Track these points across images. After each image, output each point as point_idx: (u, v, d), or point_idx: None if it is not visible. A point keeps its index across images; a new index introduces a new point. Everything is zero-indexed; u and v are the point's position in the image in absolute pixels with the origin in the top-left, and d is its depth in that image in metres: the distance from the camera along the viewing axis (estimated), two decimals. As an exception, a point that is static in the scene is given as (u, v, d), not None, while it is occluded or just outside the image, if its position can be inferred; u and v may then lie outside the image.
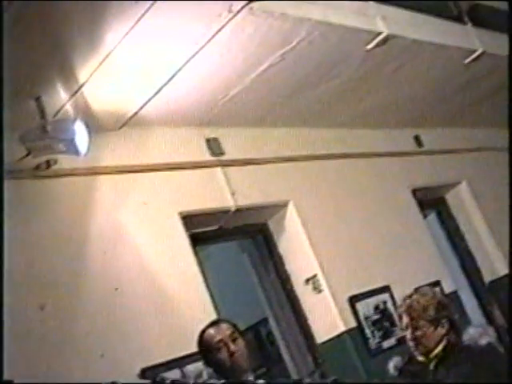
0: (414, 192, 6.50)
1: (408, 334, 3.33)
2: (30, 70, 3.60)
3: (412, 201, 6.45)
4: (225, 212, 4.98)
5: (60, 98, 3.98)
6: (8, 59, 3.16)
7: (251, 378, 3.24)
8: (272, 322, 5.53)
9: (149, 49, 3.84)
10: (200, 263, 4.65)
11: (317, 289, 5.26)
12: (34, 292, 3.78)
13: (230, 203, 4.95)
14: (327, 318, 5.23)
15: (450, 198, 7.22)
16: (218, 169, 5.04)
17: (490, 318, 6.70)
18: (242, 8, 3.74)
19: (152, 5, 3.45)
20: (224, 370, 3.18)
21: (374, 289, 5.54)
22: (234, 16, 3.76)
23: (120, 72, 3.96)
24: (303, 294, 5.32)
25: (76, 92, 3.97)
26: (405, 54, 5.18)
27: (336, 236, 5.57)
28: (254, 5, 3.78)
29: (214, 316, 4.28)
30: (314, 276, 5.28)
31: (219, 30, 3.84)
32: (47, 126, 3.86)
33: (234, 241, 5.65)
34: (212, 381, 3.21)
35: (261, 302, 5.58)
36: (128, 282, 4.18)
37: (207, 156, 5.05)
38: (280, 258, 5.42)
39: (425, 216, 6.74)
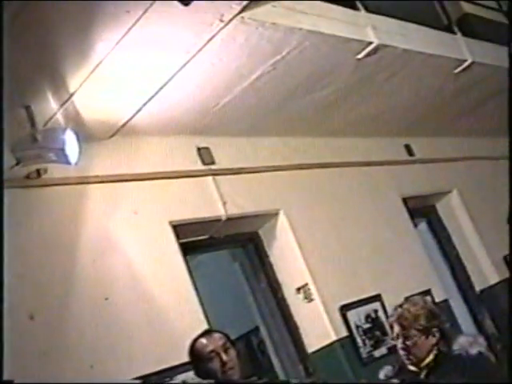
0: (405, 201, 6.52)
1: (399, 343, 3.32)
2: (20, 79, 3.58)
3: (403, 209, 6.46)
4: (216, 221, 4.97)
5: (50, 106, 3.97)
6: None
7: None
8: (263, 331, 5.52)
9: (140, 58, 3.84)
10: (191, 272, 4.64)
11: (308, 298, 5.26)
12: (24, 301, 3.75)
13: (220, 212, 4.95)
14: (318, 327, 5.22)
15: (440, 206, 7.24)
16: (209, 178, 5.03)
17: (480, 327, 6.71)
18: (233, 17, 3.75)
19: (143, 14, 3.45)
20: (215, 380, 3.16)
21: (365, 298, 5.54)
22: (225, 25, 3.77)
23: (111, 81, 3.96)
24: (294, 302, 5.31)
25: (66, 101, 3.96)
26: (395, 63, 5.21)
27: (327, 245, 5.57)
28: (245, 14, 3.80)
29: (204, 325, 4.27)
30: (305, 285, 5.27)
31: (210, 40, 3.85)
32: (37, 135, 3.85)
33: (225, 250, 5.64)
34: (205, 381, 3.18)
35: (252, 310, 5.57)
36: (118, 291, 4.16)
37: (198, 165, 5.05)
38: (271, 266, 5.42)
39: (415, 225, 6.75)
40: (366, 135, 6.40)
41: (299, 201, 5.58)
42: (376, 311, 5.56)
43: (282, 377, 5.32)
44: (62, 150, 3.84)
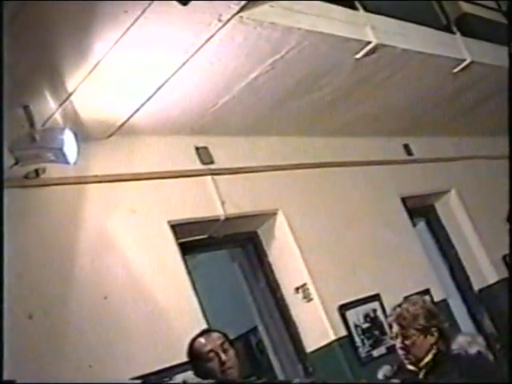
0: (404, 200, 6.52)
1: (398, 342, 3.32)
2: (19, 79, 3.58)
3: (402, 209, 6.46)
4: (214, 221, 4.97)
5: (49, 106, 3.97)
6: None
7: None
8: (262, 331, 5.51)
9: (138, 58, 3.84)
10: (189, 272, 4.64)
11: (307, 297, 5.26)
12: (23, 301, 3.74)
13: (219, 212, 4.95)
14: (317, 327, 5.22)
15: (439, 206, 7.24)
16: (208, 177, 5.03)
17: (479, 327, 6.71)
18: (232, 17, 3.75)
19: (141, 14, 3.45)
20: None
21: (363, 297, 5.54)
22: (224, 25, 3.77)
23: (109, 81, 3.96)
24: (293, 302, 5.31)
25: (65, 101, 3.96)
26: (394, 63, 5.21)
27: (326, 244, 5.57)
28: (244, 14, 3.79)
29: (203, 325, 4.26)
30: (304, 285, 5.27)
31: (209, 39, 3.85)
32: (36, 134, 3.85)
33: (224, 249, 5.64)
34: (205, 381, 3.18)
35: (251, 310, 5.57)
36: (117, 290, 4.16)
37: (197, 165, 5.04)
38: (270, 266, 5.42)
39: (414, 224, 6.75)
40: (365, 135, 6.40)
41: (298, 200, 5.58)
42: (375, 311, 5.56)
43: (280, 376, 5.32)
44: (61, 149, 3.83)
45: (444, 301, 6.24)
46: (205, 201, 4.93)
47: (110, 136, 4.50)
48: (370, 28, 4.80)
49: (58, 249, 4.05)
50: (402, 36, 5.11)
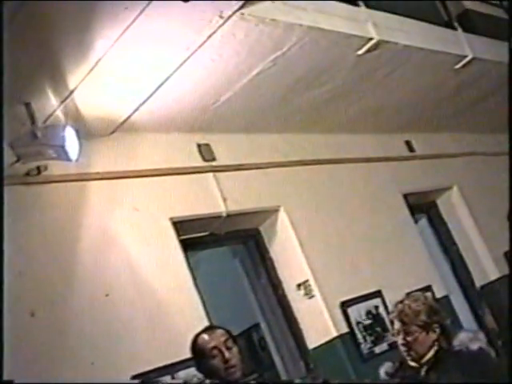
0: (406, 197, 6.52)
1: (399, 339, 3.32)
2: (20, 76, 3.58)
3: (403, 205, 6.46)
4: (216, 217, 4.97)
5: (50, 103, 3.96)
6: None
7: (243, 384, 3.22)
8: (264, 328, 5.52)
9: (139, 55, 3.84)
10: (191, 269, 4.64)
11: (308, 294, 5.26)
12: (24, 298, 3.75)
13: (221, 209, 4.95)
14: (319, 324, 5.22)
15: (441, 202, 7.24)
16: (210, 174, 5.03)
17: (481, 323, 6.71)
18: (233, 14, 3.75)
19: (142, 11, 3.44)
20: (216, 377, 3.15)
21: (365, 294, 5.54)
22: (225, 22, 3.77)
23: (111, 78, 3.96)
24: (295, 299, 5.32)
25: (66, 98, 3.96)
26: (396, 59, 5.20)
27: (327, 241, 5.57)
28: (245, 11, 3.79)
29: (205, 322, 4.27)
30: (306, 281, 5.27)
31: (210, 36, 3.85)
32: (37, 131, 3.85)
33: (226, 246, 5.64)
34: (207, 381, 3.17)
35: (252, 307, 5.57)
36: (119, 287, 4.17)
37: (198, 162, 5.04)
38: (272, 263, 5.42)
39: (416, 221, 6.75)
40: (367, 131, 6.39)
41: (300, 197, 5.58)
42: (377, 307, 5.57)
43: (282, 373, 5.33)
44: (62, 146, 3.83)
45: (446, 297, 6.24)
46: (206, 198, 4.93)
47: (112, 133, 4.50)
48: (371, 24, 4.79)
49: (59, 246, 4.05)
50: (403, 32, 5.10)
